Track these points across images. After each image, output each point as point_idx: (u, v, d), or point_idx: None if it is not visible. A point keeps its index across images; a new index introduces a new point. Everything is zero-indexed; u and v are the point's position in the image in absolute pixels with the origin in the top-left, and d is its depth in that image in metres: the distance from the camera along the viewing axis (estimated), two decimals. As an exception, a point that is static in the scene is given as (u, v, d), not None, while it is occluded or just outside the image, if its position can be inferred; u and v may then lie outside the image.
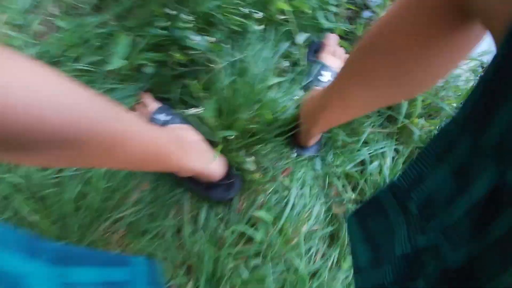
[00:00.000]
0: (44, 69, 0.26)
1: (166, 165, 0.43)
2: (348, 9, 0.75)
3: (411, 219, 0.21)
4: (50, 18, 0.69)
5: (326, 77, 0.61)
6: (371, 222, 0.26)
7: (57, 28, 0.68)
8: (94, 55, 0.59)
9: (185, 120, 0.57)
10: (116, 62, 0.56)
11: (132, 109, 0.60)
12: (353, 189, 0.63)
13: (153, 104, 0.57)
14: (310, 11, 0.62)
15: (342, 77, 0.41)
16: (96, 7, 0.63)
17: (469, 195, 0.17)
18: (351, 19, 0.79)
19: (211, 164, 0.52)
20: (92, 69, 0.58)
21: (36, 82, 0.25)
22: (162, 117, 0.55)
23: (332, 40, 0.65)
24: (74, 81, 0.29)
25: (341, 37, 0.71)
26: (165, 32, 0.57)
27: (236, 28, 0.57)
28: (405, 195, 0.22)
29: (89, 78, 0.58)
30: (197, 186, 0.55)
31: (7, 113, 0.23)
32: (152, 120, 0.55)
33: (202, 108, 0.54)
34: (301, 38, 0.62)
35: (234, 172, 0.56)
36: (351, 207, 0.59)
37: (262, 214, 0.53)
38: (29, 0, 0.70)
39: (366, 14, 0.81)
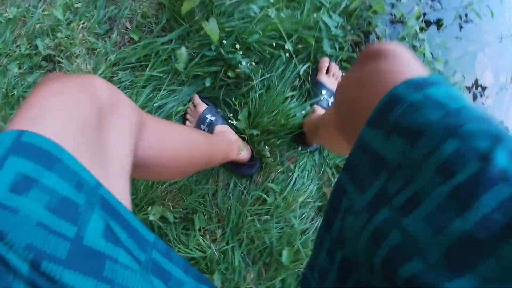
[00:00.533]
0: (179, 126, 0.56)
1: (222, 162, 0.75)
2: (355, 34, 1.01)
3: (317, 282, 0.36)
4: (124, 31, 0.97)
5: (323, 95, 0.88)
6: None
7: (130, 39, 0.96)
8: (162, 65, 0.87)
9: (225, 119, 0.86)
10: (180, 68, 0.84)
11: (187, 109, 0.88)
12: (340, 177, 0.92)
13: (202, 105, 0.86)
14: (312, 43, 0.89)
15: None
16: (163, 27, 0.91)
17: (335, 265, 0.31)
18: (357, 44, 1.05)
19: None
20: (161, 76, 0.87)
21: (179, 135, 0.52)
22: (209, 116, 0.83)
23: (324, 62, 0.92)
24: (193, 129, 0.60)
25: (346, 61, 0.98)
26: (215, 53, 0.85)
27: (267, 55, 0.85)
28: (311, 269, 0.36)
29: (158, 82, 0.87)
30: (229, 164, 0.84)
31: (163, 156, 0.46)
32: (201, 118, 0.84)
33: (237, 121, 0.83)
34: (302, 68, 0.90)
35: (255, 156, 0.86)
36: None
37: (273, 185, 0.83)
38: (105, 12, 0.98)
39: (372, 37, 1.06)
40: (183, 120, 0.88)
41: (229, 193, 0.85)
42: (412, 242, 0.24)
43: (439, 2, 1.44)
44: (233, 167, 0.84)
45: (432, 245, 0.23)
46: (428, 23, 1.34)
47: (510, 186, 0.21)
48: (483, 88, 1.52)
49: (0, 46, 0.98)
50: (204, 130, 0.83)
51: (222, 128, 0.83)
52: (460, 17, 1.48)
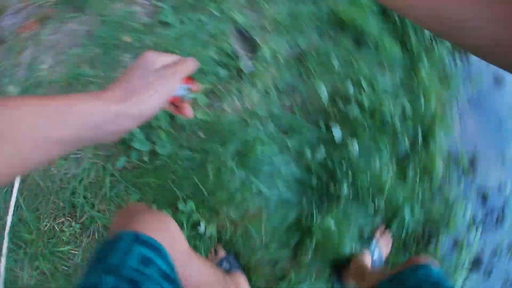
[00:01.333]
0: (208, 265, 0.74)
1: None
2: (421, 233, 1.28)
3: None
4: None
5: (372, 247, 1.14)
6: None
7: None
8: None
9: (241, 267, 1.05)
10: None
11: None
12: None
13: (221, 253, 1.06)
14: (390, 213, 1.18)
15: None
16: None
17: None
18: (418, 240, 1.30)
19: None
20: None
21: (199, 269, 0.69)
22: (224, 264, 1.01)
23: (380, 229, 1.18)
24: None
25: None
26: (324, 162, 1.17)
27: (361, 197, 1.15)
28: None
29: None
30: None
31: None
32: (217, 264, 1.01)
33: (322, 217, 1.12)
34: (374, 223, 1.18)
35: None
36: None
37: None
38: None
39: (432, 245, 1.30)
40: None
41: None
42: None
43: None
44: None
45: None
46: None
47: None
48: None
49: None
50: None
51: (238, 278, 0.98)
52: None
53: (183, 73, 0.38)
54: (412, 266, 0.70)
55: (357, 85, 1.21)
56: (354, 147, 1.17)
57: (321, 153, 1.17)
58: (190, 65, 0.40)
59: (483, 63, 1.70)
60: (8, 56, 1.57)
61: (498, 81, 1.79)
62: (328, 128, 1.20)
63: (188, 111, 0.44)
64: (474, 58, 1.61)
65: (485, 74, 1.64)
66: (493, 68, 1.72)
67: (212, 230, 1.12)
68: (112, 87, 0.34)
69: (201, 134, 1.19)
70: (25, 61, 1.56)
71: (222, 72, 1.21)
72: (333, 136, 1.18)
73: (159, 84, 0.35)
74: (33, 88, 1.43)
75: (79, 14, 1.58)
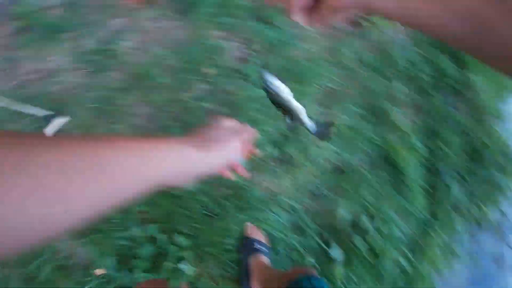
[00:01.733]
0: None
1: None
2: None
3: None
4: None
5: None
6: None
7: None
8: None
9: None
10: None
11: None
12: None
13: None
14: None
15: None
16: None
17: None
18: None
19: None
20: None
21: None
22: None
23: None
24: None
25: None
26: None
27: None
28: None
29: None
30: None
31: None
32: None
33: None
34: None
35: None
36: None
37: None
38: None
39: None
40: None
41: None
42: None
43: None
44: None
45: None
46: None
47: None
48: None
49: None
50: None
51: None
52: None
53: (248, 142, 0.45)
54: (305, 276, 0.73)
55: (373, 223, 1.34)
56: (342, 271, 1.29)
57: (311, 261, 1.29)
58: (253, 136, 0.46)
59: (491, 244, 1.81)
60: (100, 12, 1.71)
61: (497, 262, 1.90)
62: (330, 244, 1.32)
63: (245, 172, 0.49)
64: (486, 236, 1.73)
65: (487, 255, 1.75)
66: (498, 250, 1.83)
67: (190, 271, 1.24)
68: (195, 136, 0.38)
69: (225, 190, 1.32)
70: (112, 27, 1.70)
71: (270, 149, 1.35)
72: (329, 252, 1.30)
73: (230, 142, 0.42)
74: (104, 56, 1.56)
75: (179, 18, 1.73)
